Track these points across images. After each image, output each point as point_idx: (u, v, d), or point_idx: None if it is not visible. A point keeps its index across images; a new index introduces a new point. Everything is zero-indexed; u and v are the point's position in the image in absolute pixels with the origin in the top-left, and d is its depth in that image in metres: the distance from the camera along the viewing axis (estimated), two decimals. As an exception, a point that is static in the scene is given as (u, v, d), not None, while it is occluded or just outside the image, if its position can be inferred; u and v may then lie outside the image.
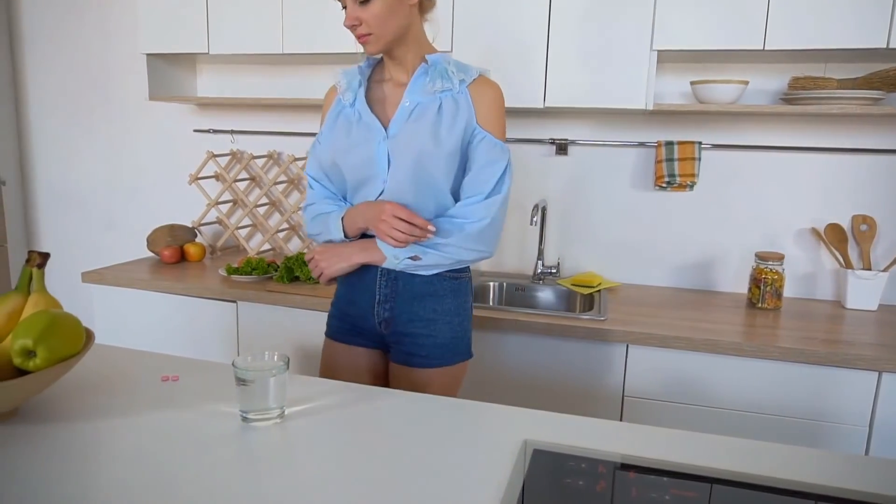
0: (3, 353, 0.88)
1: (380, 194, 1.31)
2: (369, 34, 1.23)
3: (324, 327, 1.47)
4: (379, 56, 1.35)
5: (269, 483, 0.76)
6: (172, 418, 0.92)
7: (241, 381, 0.90)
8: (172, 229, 2.38)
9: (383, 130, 1.28)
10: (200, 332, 2.05)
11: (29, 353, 0.83)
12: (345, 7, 1.24)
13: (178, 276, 2.13)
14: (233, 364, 0.91)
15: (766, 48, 1.71)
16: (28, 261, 0.93)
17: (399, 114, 1.29)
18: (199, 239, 2.50)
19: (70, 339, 0.87)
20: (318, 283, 1.97)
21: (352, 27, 1.23)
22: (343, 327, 1.42)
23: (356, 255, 1.32)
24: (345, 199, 1.41)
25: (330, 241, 1.37)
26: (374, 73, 1.38)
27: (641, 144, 2.10)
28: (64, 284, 2.87)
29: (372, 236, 1.32)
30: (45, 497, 0.71)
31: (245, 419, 0.91)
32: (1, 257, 2.68)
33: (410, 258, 1.27)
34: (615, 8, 1.80)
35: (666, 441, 0.89)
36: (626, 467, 0.80)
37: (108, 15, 2.58)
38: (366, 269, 1.36)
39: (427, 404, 1.00)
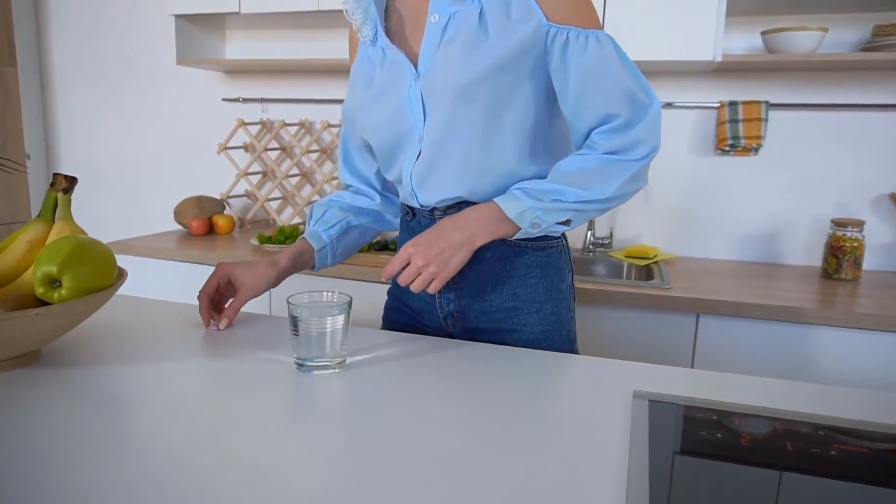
0: (25, 287, 0.77)
1: (417, 159, 0.94)
2: None
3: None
4: None
5: (333, 433, 0.63)
6: (218, 366, 0.79)
7: (295, 324, 0.77)
8: (200, 201, 2.28)
9: (412, 68, 0.91)
10: (231, 304, 1.93)
11: (53, 282, 0.72)
12: None
13: (208, 247, 2.01)
14: (287, 301, 0.78)
15: (851, -11, 1.55)
16: (52, 185, 0.82)
17: (428, 37, 0.90)
18: (227, 211, 2.39)
19: (100, 269, 0.75)
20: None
21: None
22: (402, 321, 1.07)
23: (480, 236, 0.88)
24: (378, 191, 1.12)
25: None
26: None
27: (702, 105, 1.95)
28: (88, 262, 2.78)
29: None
30: (76, 444, 0.59)
31: (301, 366, 0.79)
32: (24, 232, 2.59)
33: (561, 223, 0.90)
34: (681, -50, 1.65)
35: (788, 393, 0.75)
36: (766, 419, 0.65)
37: (135, -22, 2.48)
38: None
39: (508, 354, 0.87)
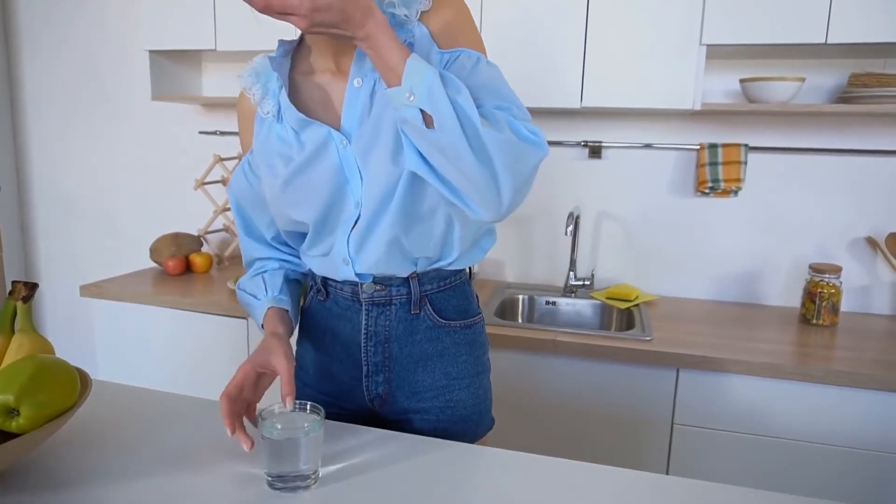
0: (-20, 408, 0.74)
1: (353, 227, 0.90)
2: None
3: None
4: (296, 39, 0.94)
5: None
6: (186, 483, 0.77)
7: (267, 440, 0.75)
8: (177, 238, 2.23)
9: (337, 134, 0.86)
10: (208, 351, 1.90)
11: (11, 412, 0.69)
12: None
13: (184, 290, 1.98)
14: (259, 415, 0.76)
15: (828, 42, 1.56)
16: (11, 293, 0.79)
17: (350, 100, 0.86)
18: (205, 248, 2.35)
19: (61, 392, 0.72)
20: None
21: None
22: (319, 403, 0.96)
23: (371, 38, 0.75)
24: (282, 249, 1.05)
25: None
26: (297, 62, 0.93)
27: (682, 147, 1.95)
28: (62, 294, 2.73)
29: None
30: None
31: (272, 485, 0.77)
32: (-4, 266, 2.53)
33: (423, 111, 0.74)
34: (660, -1, 1.64)
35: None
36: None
37: (108, 8, 2.42)
38: (342, 329, 0.99)
39: (493, 458, 0.86)
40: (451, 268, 0.97)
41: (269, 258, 1.04)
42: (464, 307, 1.01)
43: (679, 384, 1.54)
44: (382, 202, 0.87)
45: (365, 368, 0.99)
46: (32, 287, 0.79)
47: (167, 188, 2.49)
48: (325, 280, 0.99)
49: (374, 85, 0.86)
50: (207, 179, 2.30)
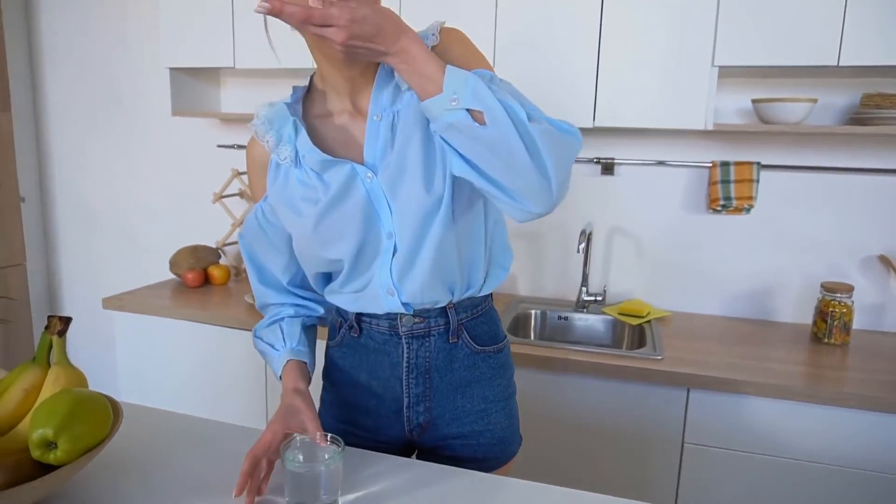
0: (20, 439, 0.78)
1: (392, 259, 0.91)
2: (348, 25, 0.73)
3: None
4: (306, 85, 0.96)
5: None
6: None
7: (289, 471, 0.79)
8: (195, 251, 2.28)
9: (361, 167, 0.88)
10: (226, 364, 1.95)
11: (49, 445, 0.73)
12: None
13: (202, 303, 2.02)
14: (280, 451, 0.79)
15: (840, 64, 1.57)
16: (47, 327, 0.83)
17: (372, 133, 0.88)
18: (222, 260, 2.40)
19: (96, 424, 0.76)
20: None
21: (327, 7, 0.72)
22: (349, 442, 1.01)
23: (407, 52, 0.77)
24: (302, 296, 1.07)
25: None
26: (309, 107, 0.95)
27: (695, 164, 1.96)
28: (83, 302, 2.79)
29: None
30: None
31: (294, 514, 0.80)
32: (20, 275, 2.60)
33: (470, 111, 0.76)
34: (673, 20, 1.66)
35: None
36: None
37: (129, 27, 2.48)
38: (380, 363, 1.00)
39: (513, 489, 0.88)
40: (481, 294, 1.01)
41: (283, 304, 1.05)
42: (494, 332, 1.05)
43: (690, 403, 1.55)
44: (421, 229, 0.89)
45: (406, 400, 1.00)
46: (67, 321, 0.83)
47: (186, 200, 2.54)
48: (358, 316, 1.00)
49: (394, 118, 0.88)
50: (225, 193, 2.35)
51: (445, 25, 0.89)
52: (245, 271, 2.37)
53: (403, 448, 1.06)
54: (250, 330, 1.89)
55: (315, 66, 0.92)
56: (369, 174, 0.88)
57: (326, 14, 0.71)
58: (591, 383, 1.61)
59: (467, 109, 0.75)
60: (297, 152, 0.91)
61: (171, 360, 2.02)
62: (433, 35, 0.88)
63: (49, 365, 0.83)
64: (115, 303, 2.05)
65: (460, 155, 0.79)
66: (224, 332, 1.92)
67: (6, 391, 0.81)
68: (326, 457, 0.80)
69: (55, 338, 0.83)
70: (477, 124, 0.76)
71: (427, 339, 0.98)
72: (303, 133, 0.90)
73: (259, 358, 1.90)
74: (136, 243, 2.66)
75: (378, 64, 0.89)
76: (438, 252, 0.90)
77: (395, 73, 0.87)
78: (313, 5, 0.72)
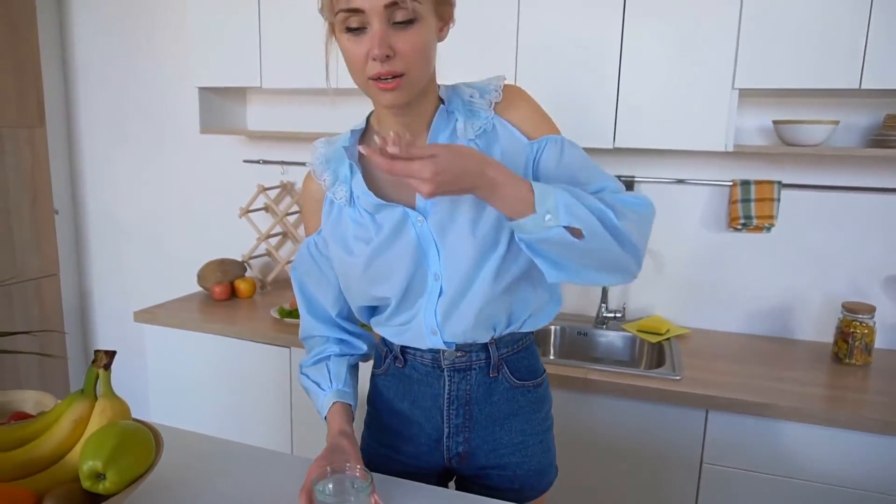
0: (70, 469, 0.83)
1: (438, 300, 0.94)
2: (402, 75, 0.81)
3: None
4: (363, 125, 0.99)
5: None
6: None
7: (319, 501, 0.83)
8: (223, 264, 2.34)
9: (411, 211, 0.91)
10: (253, 378, 2.00)
11: (98, 476, 0.77)
12: (358, 28, 0.81)
13: (229, 317, 2.08)
14: (311, 483, 0.83)
15: (862, 87, 1.57)
16: (94, 361, 0.88)
17: None
18: (248, 273, 2.46)
19: (141, 455, 0.81)
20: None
21: (381, 61, 0.79)
22: (391, 468, 1.06)
23: (496, 186, 0.79)
24: (342, 327, 1.09)
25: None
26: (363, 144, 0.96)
27: (715, 183, 1.97)
28: (113, 312, 2.87)
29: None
30: None
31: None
32: (54, 285, 2.69)
33: (569, 229, 0.78)
34: (694, 42, 1.67)
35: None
36: None
37: (159, 47, 2.55)
38: (422, 394, 1.03)
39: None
40: (522, 330, 1.03)
41: (328, 337, 1.09)
42: (533, 367, 1.07)
43: (708, 424, 1.57)
44: (469, 274, 0.92)
45: (446, 430, 1.04)
46: (112, 355, 0.88)
47: (212, 214, 2.61)
48: (403, 349, 1.03)
49: None
50: (252, 207, 2.41)
51: (507, 82, 0.94)
52: (270, 285, 2.43)
53: (442, 475, 1.10)
54: (276, 345, 1.95)
55: (338, 84, 0.95)
56: (420, 218, 0.91)
57: (409, 170, 0.75)
58: (609, 402, 1.63)
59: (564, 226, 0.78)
60: (351, 192, 0.95)
61: (200, 374, 2.08)
62: (496, 91, 0.93)
63: (96, 397, 0.88)
64: (146, 316, 2.12)
65: (550, 262, 0.83)
66: (252, 347, 1.98)
67: (56, 422, 0.86)
68: (355, 487, 0.84)
69: (101, 371, 0.88)
70: (574, 239, 0.79)
71: (468, 373, 1.01)
72: (358, 176, 0.94)
73: (285, 372, 1.95)
74: (165, 255, 2.73)
75: (436, 108, 0.92)
76: (484, 298, 0.93)
77: (457, 123, 0.92)
78: (392, 151, 0.74)
